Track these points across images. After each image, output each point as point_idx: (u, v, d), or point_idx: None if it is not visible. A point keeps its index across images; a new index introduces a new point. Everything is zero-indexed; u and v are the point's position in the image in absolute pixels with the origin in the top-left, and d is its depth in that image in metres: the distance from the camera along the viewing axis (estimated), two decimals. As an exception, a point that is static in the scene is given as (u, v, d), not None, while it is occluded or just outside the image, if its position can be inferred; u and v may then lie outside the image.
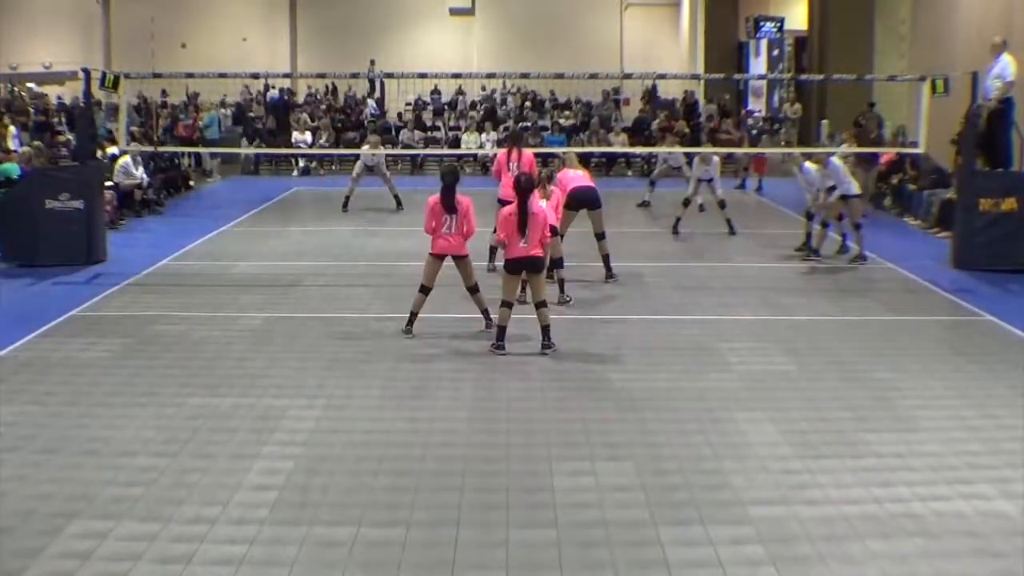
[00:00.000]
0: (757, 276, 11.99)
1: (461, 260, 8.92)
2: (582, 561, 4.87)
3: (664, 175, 17.75)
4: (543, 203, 10.24)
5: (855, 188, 12.75)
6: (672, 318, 9.81)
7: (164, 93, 26.91)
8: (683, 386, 7.66)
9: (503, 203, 9.85)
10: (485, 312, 9.03)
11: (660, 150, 19.27)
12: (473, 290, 9.00)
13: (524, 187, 8.53)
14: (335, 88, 29.41)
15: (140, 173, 16.69)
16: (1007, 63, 13.25)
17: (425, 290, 8.95)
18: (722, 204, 14.85)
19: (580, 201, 11.06)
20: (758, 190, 20.22)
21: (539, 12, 33.61)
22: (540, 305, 8.52)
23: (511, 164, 11.31)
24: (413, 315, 8.95)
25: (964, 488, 5.73)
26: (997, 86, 13.12)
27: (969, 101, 12.55)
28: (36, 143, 17.15)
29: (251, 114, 27.33)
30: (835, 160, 12.86)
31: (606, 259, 11.39)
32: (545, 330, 8.47)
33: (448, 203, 8.73)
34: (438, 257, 8.91)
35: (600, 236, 11.38)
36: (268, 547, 4.99)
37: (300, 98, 29.05)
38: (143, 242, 14.06)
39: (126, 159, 16.42)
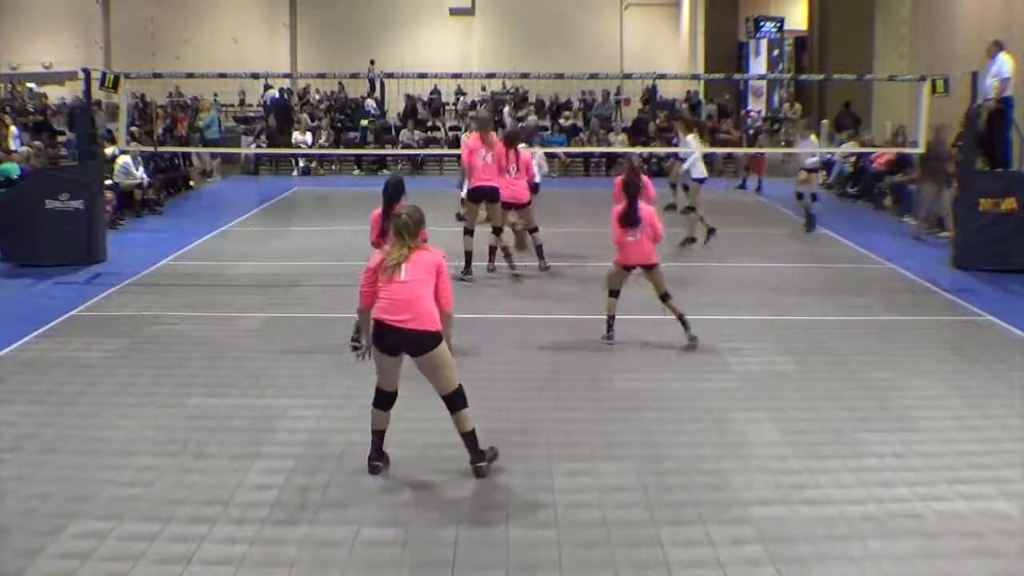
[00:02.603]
0: (757, 276, 11.99)
1: (651, 269, 8.72)
2: (582, 561, 4.87)
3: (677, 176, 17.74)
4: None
5: (701, 173, 13.84)
6: (672, 318, 9.79)
7: (170, 95, 26.97)
8: (683, 386, 7.66)
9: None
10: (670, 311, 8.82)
11: (659, 150, 19.25)
12: (665, 297, 8.74)
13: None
14: (342, 88, 29.45)
15: (140, 173, 16.69)
16: (1003, 61, 13.27)
17: (615, 294, 8.82)
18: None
19: (481, 195, 11.30)
20: (758, 190, 20.23)
21: (539, 12, 33.60)
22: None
23: (510, 167, 11.34)
24: (611, 319, 8.80)
25: (964, 488, 5.73)
26: (995, 85, 13.14)
27: (969, 101, 12.56)
28: (36, 143, 17.14)
29: (250, 114, 27.36)
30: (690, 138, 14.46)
31: (492, 250, 11.56)
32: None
33: (632, 219, 8.56)
34: (627, 268, 8.76)
35: (496, 231, 11.53)
36: (268, 547, 4.99)
37: (303, 98, 29.04)
38: (143, 242, 14.06)
39: (126, 159, 16.41)
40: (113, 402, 7.17)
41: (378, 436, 6.01)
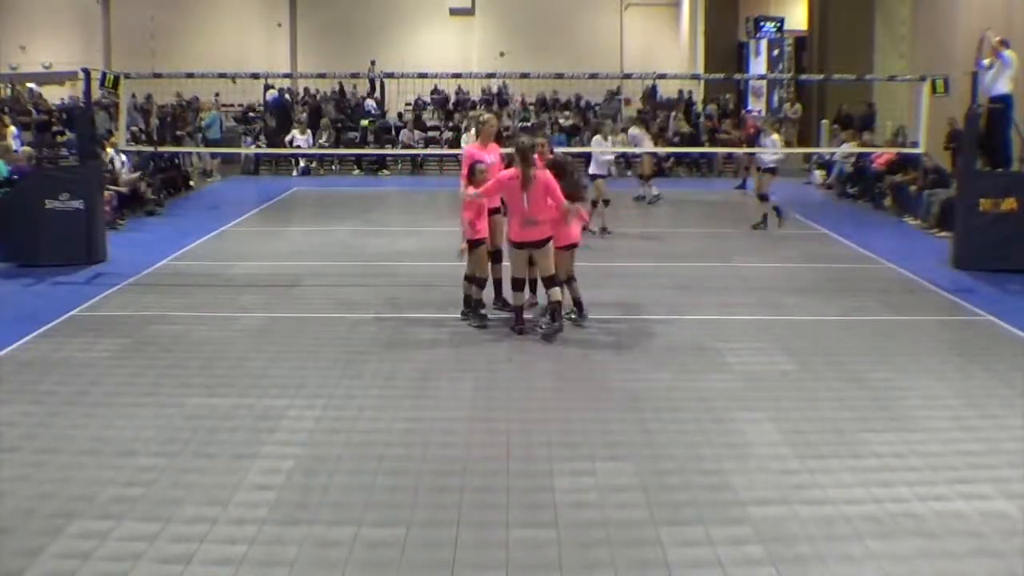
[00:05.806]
0: (757, 276, 11.99)
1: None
2: (582, 561, 4.87)
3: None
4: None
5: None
6: (672, 318, 9.80)
7: (179, 95, 27.03)
8: (683, 386, 7.66)
9: None
10: None
11: (645, 149, 19.23)
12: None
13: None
14: (342, 88, 29.45)
15: (119, 163, 16.50)
16: (1008, 57, 13.26)
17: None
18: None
19: None
20: (758, 190, 20.22)
21: (539, 12, 33.63)
22: None
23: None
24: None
25: (964, 488, 5.72)
26: (997, 65, 13.10)
27: (969, 101, 12.56)
28: (26, 148, 17.05)
29: (251, 114, 27.36)
30: (632, 129, 18.35)
31: None
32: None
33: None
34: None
35: None
36: (268, 547, 4.99)
37: (303, 98, 29.05)
38: (143, 242, 14.06)
39: (110, 154, 16.28)
40: (113, 402, 7.17)
41: (519, 309, 8.86)
